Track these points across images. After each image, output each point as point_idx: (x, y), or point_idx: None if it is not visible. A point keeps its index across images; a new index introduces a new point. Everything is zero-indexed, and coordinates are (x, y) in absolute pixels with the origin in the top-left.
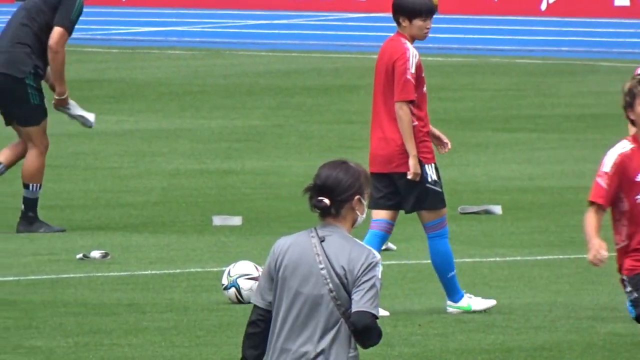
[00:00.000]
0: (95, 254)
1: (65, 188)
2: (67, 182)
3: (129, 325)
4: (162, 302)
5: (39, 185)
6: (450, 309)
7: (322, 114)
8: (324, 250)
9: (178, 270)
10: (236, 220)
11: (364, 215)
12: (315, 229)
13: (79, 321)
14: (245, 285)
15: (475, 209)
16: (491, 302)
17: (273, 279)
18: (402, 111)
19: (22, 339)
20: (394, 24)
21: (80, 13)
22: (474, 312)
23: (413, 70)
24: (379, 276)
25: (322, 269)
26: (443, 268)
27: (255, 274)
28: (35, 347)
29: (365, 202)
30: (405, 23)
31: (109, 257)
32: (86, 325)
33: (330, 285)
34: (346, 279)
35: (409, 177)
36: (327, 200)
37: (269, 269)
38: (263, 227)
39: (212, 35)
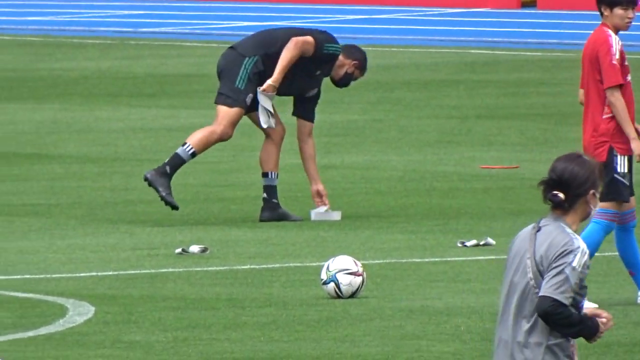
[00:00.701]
0: (194, 248)
1: None
2: None
3: (227, 319)
4: (261, 296)
5: (194, 151)
6: None
7: (421, 109)
8: (535, 240)
9: (277, 265)
10: (335, 215)
11: (597, 209)
12: (540, 219)
13: (178, 316)
14: (344, 280)
15: None
16: (593, 305)
17: None
18: (614, 97)
19: (121, 333)
20: (493, 19)
21: (334, 53)
22: None
23: (618, 56)
24: (575, 264)
25: (528, 258)
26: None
27: (354, 268)
28: (134, 341)
29: (598, 196)
30: (607, 12)
31: (208, 251)
32: (185, 320)
33: (530, 273)
34: (542, 266)
35: (635, 160)
36: (561, 195)
37: None
38: (362, 221)
39: None
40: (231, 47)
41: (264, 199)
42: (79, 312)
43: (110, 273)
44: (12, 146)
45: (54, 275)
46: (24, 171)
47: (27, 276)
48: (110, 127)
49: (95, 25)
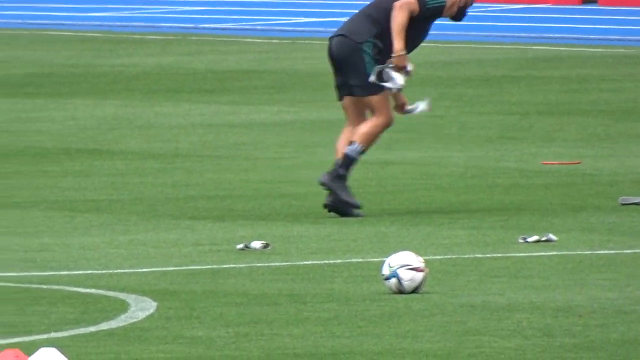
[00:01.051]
0: (256, 244)
1: (225, 178)
2: (227, 173)
3: (289, 315)
4: (323, 292)
5: (363, 147)
6: None
7: (483, 105)
8: None
9: (339, 261)
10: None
11: None
12: None
13: (240, 311)
14: (406, 275)
15: (636, 199)
16: None
17: None
18: None
19: (183, 329)
20: (554, 15)
21: (438, 6)
22: (636, 302)
23: None
24: None
25: None
26: None
27: (416, 264)
28: (196, 337)
29: None
30: None
31: (269, 247)
32: (247, 316)
33: None
34: None
35: None
36: None
37: None
38: (424, 217)
39: None
40: (341, 35)
41: None
42: (141, 308)
43: (172, 268)
44: (74, 142)
45: (115, 271)
46: (86, 167)
47: (89, 272)
48: (171, 123)
49: (156, 21)
